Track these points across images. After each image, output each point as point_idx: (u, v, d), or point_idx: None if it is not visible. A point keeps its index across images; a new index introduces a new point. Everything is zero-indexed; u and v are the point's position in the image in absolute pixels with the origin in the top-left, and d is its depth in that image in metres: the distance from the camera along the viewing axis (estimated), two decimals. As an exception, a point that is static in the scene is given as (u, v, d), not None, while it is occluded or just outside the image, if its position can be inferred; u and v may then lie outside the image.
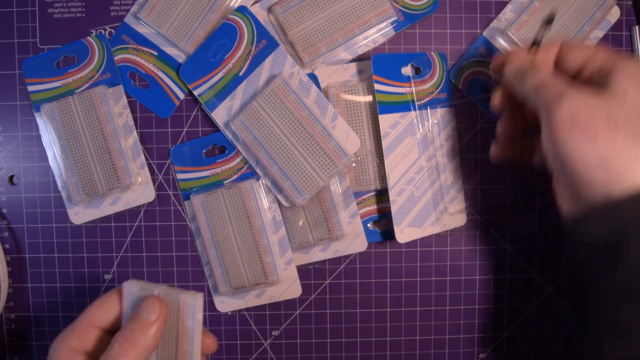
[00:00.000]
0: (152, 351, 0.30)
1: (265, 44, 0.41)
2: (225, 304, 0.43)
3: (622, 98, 0.29)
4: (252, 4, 0.42)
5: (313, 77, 0.42)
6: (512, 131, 0.37)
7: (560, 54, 0.34)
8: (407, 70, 0.42)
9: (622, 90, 0.29)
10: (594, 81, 0.31)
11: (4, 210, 0.43)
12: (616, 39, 0.44)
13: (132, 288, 0.32)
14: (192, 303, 0.31)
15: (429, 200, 0.42)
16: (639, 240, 0.27)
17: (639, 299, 0.27)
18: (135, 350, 0.29)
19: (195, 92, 0.41)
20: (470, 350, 0.44)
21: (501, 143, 0.38)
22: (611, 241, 0.28)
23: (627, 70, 0.30)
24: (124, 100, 0.42)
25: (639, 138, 0.28)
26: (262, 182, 0.42)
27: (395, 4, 0.42)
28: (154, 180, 0.43)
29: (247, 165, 0.42)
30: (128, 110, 0.42)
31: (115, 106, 0.42)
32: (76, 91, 0.42)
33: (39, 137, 0.42)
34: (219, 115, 0.41)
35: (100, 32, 0.42)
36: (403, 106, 0.41)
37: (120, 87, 0.42)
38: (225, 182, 0.42)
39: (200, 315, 0.31)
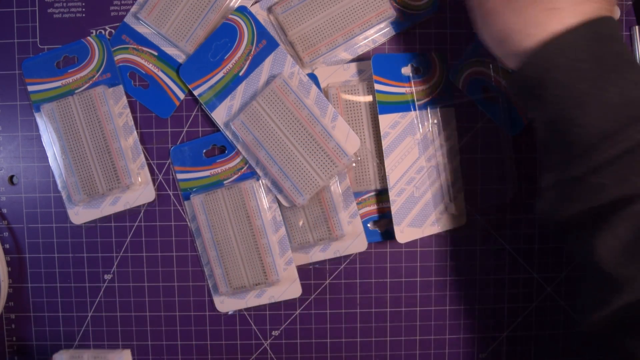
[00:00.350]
0: None
1: (265, 44, 0.41)
2: (225, 304, 0.43)
3: None
4: (252, 4, 0.42)
5: (313, 77, 0.42)
6: None
7: None
8: (407, 70, 0.42)
9: None
10: None
11: (4, 210, 0.43)
12: (616, 39, 0.44)
13: (61, 357, 0.32)
14: None
15: (429, 200, 0.42)
16: (547, 83, 0.30)
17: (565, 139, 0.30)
18: None
19: (195, 92, 0.41)
20: (471, 351, 0.44)
21: None
22: (535, 86, 0.31)
23: None
24: (124, 100, 0.42)
25: (534, 7, 0.30)
26: (262, 182, 0.42)
27: (395, 4, 0.42)
28: (154, 180, 0.43)
29: (247, 165, 0.42)
30: (128, 110, 0.42)
31: (115, 106, 0.42)
32: (76, 91, 0.42)
33: (39, 137, 0.42)
34: (219, 115, 0.41)
35: (100, 32, 0.42)
36: (403, 106, 0.41)
37: (120, 87, 0.42)
38: (225, 182, 0.42)
39: None
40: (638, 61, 0.43)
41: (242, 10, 0.41)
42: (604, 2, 0.30)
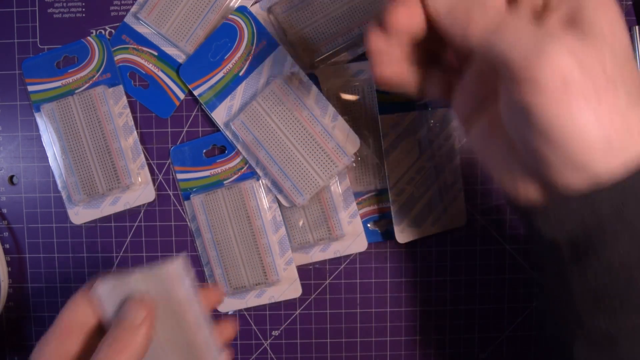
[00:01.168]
0: (143, 354, 0.28)
1: (265, 44, 0.41)
2: (225, 304, 0.43)
3: (609, 42, 0.22)
4: (252, 4, 0.42)
5: (313, 77, 0.41)
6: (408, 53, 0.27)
7: None
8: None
9: (603, 30, 0.22)
10: (546, 14, 0.23)
11: (4, 210, 0.43)
12: (616, 39, 0.44)
13: (106, 287, 0.29)
14: (174, 273, 0.28)
15: (429, 200, 0.42)
16: (617, 235, 0.22)
17: (615, 306, 0.23)
18: (122, 357, 0.26)
19: (195, 92, 0.41)
20: (471, 351, 0.44)
21: (388, 62, 0.26)
22: (581, 236, 0.23)
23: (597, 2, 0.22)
24: (124, 100, 0.42)
25: (636, 93, 0.22)
26: (262, 182, 0.42)
27: (395, 4, 0.42)
28: (154, 180, 0.43)
29: (247, 165, 0.42)
30: (128, 110, 0.42)
31: (115, 106, 0.42)
32: (76, 91, 0.42)
33: (39, 137, 0.42)
34: (219, 115, 0.41)
35: (100, 32, 0.42)
36: (403, 106, 0.41)
37: (120, 87, 0.42)
38: (225, 182, 0.42)
39: (187, 280, 0.28)
40: (638, 61, 0.43)
41: (242, 10, 0.41)
42: None
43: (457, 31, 0.23)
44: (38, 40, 0.43)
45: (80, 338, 0.28)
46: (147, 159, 0.43)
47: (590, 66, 0.21)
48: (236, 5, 0.42)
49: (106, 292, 0.29)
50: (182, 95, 0.43)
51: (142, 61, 0.42)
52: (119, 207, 0.42)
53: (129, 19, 0.42)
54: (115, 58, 0.42)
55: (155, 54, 0.42)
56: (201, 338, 0.29)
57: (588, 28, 0.22)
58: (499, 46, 0.21)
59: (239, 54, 0.41)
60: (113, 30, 0.42)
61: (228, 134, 0.41)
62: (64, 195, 0.42)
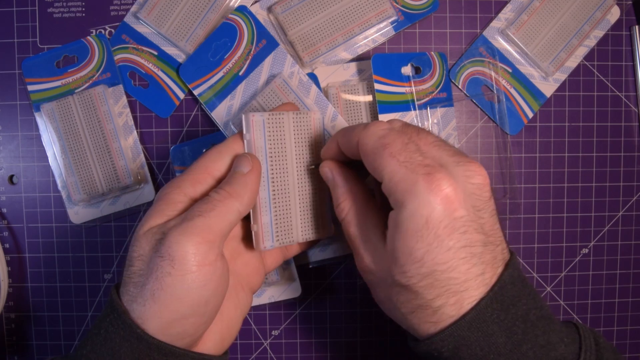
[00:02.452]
0: (250, 202, 0.30)
1: (265, 43, 0.41)
2: None
3: (398, 280, 0.27)
4: (252, 4, 0.42)
5: (313, 76, 0.41)
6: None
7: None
8: (407, 70, 0.42)
9: (401, 274, 0.27)
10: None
11: (4, 210, 0.43)
12: (616, 38, 0.44)
13: (261, 118, 0.31)
14: (319, 117, 0.34)
15: (429, 200, 0.42)
16: None
17: None
18: (230, 198, 0.29)
19: (195, 92, 0.41)
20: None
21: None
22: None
23: (403, 233, 0.26)
24: (124, 100, 0.42)
25: (408, 313, 0.28)
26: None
27: (395, 4, 0.42)
28: (154, 180, 0.43)
29: (247, 165, 0.42)
30: (128, 110, 0.42)
31: (115, 106, 0.42)
32: (76, 91, 0.42)
33: (39, 136, 0.42)
34: (219, 114, 0.41)
35: (100, 32, 0.42)
36: (403, 106, 0.41)
37: (120, 87, 0.42)
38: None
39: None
40: (638, 60, 0.43)
41: (242, 10, 0.41)
42: (487, 273, 0.26)
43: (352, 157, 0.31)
44: (38, 40, 0.43)
45: (211, 185, 0.31)
46: (147, 159, 0.43)
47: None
48: (236, 5, 0.42)
49: (261, 120, 0.32)
50: (182, 95, 0.43)
51: (142, 61, 0.42)
52: (119, 207, 0.42)
53: (128, 19, 0.42)
54: (115, 58, 0.42)
55: (155, 53, 0.42)
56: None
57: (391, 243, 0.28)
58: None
59: (238, 54, 0.41)
60: (113, 30, 0.42)
61: (228, 133, 0.41)
62: (63, 194, 0.42)
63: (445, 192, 0.25)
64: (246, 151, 0.31)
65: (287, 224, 0.32)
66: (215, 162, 0.31)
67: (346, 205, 0.31)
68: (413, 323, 0.28)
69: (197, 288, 0.27)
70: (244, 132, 0.31)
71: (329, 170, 0.32)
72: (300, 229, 0.33)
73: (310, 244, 0.34)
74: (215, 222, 0.28)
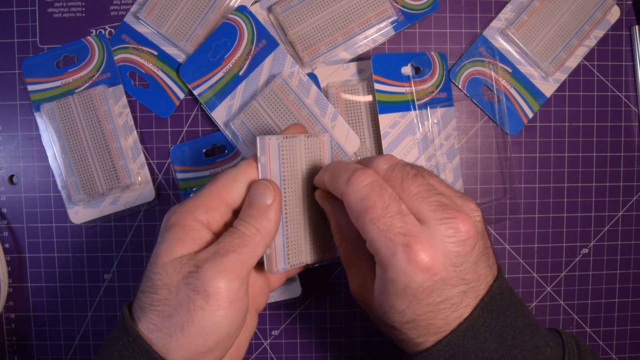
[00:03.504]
0: (274, 235, 0.30)
1: (265, 43, 0.41)
2: None
3: (390, 322, 0.29)
4: (252, 4, 0.42)
5: (313, 76, 0.41)
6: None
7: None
8: (407, 70, 0.42)
9: (390, 318, 0.28)
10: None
11: (4, 210, 0.43)
12: (616, 38, 0.44)
13: (277, 141, 0.31)
14: (328, 140, 0.33)
15: (429, 200, 0.42)
16: None
17: None
18: (259, 235, 0.29)
19: (195, 92, 0.41)
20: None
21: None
22: None
23: (388, 293, 0.28)
24: (124, 100, 0.42)
25: (399, 337, 0.29)
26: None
27: (395, 4, 0.42)
28: (154, 180, 0.43)
29: (247, 165, 0.42)
30: (128, 110, 0.42)
31: (115, 106, 0.42)
32: (76, 91, 0.42)
33: (39, 136, 0.42)
34: (219, 114, 0.41)
35: (100, 32, 0.42)
36: (403, 106, 0.41)
37: (120, 87, 0.42)
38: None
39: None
40: (638, 60, 0.43)
41: (242, 9, 0.41)
42: (478, 289, 0.28)
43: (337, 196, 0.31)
44: (38, 39, 0.43)
45: (225, 212, 0.31)
46: (147, 159, 0.43)
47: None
48: (236, 5, 0.42)
49: (277, 144, 0.31)
50: (182, 95, 0.43)
51: (142, 61, 0.42)
52: (119, 207, 0.42)
53: (128, 19, 0.42)
54: (115, 58, 0.42)
55: (155, 53, 0.42)
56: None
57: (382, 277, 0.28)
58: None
59: (238, 54, 0.41)
60: (113, 30, 0.42)
61: (228, 133, 0.41)
62: (63, 194, 0.42)
63: (423, 262, 0.26)
64: (260, 175, 0.31)
65: (298, 246, 0.32)
66: (228, 189, 0.30)
67: (339, 238, 0.32)
68: (402, 346, 0.30)
69: (225, 324, 0.27)
70: (259, 154, 0.31)
71: (321, 201, 0.32)
72: (309, 250, 0.33)
73: (313, 264, 0.34)
74: (247, 258, 0.28)
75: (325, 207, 0.32)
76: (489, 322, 0.27)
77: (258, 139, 0.30)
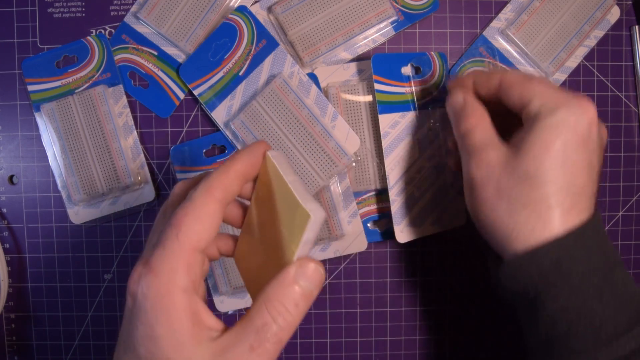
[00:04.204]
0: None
1: (265, 43, 0.41)
2: (225, 304, 0.43)
3: (522, 157, 0.29)
4: (252, 4, 0.42)
5: (313, 76, 0.42)
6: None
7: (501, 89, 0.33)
8: (407, 70, 0.42)
9: (527, 148, 0.29)
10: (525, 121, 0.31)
11: (4, 210, 0.43)
12: (616, 38, 0.44)
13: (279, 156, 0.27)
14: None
15: (429, 200, 0.42)
16: (557, 288, 0.28)
17: (562, 353, 0.28)
18: (286, 335, 0.24)
19: (195, 92, 0.41)
20: (472, 351, 0.44)
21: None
22: (531, 291, 0.29)
23: (545, 130, 0.29)
24: (124, 100, 0.42)
25: (521, 207, 0.29)
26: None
27: (395, 4, 0.42)
28: (154, 180, 0.43)
29: (247, 165, 0.42)
30: (128, 110, 0.42)
31: (115, 106, 0.42)
32: (76, 91, 0.42)
33: (39, 136, 0.42)
34: (219, 115, 0.41)
35: (100, 32, 0.42)
36: (403, 106, 0.41)
37: (120, 87, 0.42)
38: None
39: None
40: (638, 60, 0.43)
41: (242, 10, 0.41)
42: (591, 200, 0.30)
43: (453, 128, 0.35)
44: (38, 40, 0.43)
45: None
46: (147, 159, 0.43)
47: (488, 180, 0.31)
48: (236, 5, 0.42)
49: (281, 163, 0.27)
50: (182, 95, 0.43)
51: (142, 61, 0.42)
52: (119, 207, 0.42)
53: (129, 19, 0.42)
54: (115, 58, 0.42)
55: (155, 53, 0.42)
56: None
57: (519, 150, 0.30)
58: (462, 144, 0.34)
59: (238, 54, 0.41)
60: (113, 30, 0.42)
61: (228, 133, 0.41)
62: (63, 195, 0.42)
63: (592, 114, 0.29)
64: (303, 253, 0.25)
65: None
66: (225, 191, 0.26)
67: (476, 115, 0.33)
68: (517, 224, 0.29)
69: None
70: (310, 233, 0.25)
71: (462, 96, 0.34)
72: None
73: None
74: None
75: (465, 98, 0.34)
76: (596, 237, 0.28)
77: (318, 217, 0.25)
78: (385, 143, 0.41)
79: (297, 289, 0.24)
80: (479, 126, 0.33)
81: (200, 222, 0.24)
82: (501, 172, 0.30)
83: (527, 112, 0.31)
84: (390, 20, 0.42)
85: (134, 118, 0.43)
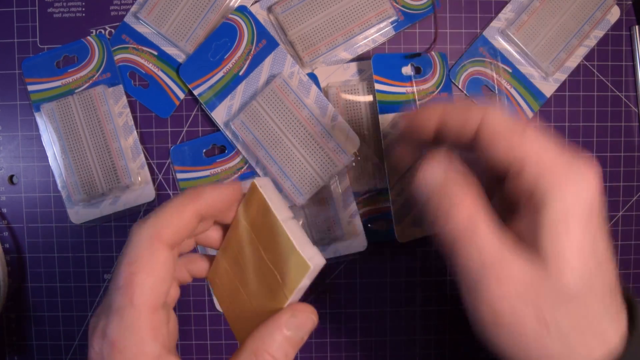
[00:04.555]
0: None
1: (265, 43, 0.41)
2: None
3: (557, 272, 0.22)
4: (252, 4, 0.42)
5: (313, 76, 0.41)
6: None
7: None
8: (407, 70, 0.42)
9: (557, 258, 0.22)
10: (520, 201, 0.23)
11: (4, 210, 0.43)
12: (616, 38, 0.44)
13: (266, 182, 0.25)
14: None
15: (429, 200, 0.42)
16: None
17: None
18: None
19: (195, 92, 0.41)
20: (472, 351, 0.44)
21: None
22: None
23: (562, 224, 0.22)
24: (124, 100, 0.42)
25: (570, 329, 0.22)
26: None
27: (395, 4, 0.42)
28: (154, 180, 0.43)
29: (247, 164, 0.42)
30: (128, 110, 0.42)
31: (115, 106, 0.42)
32: (76, 91, 0.42)
33: (39, 136, 0.42)
34: (219, 115, 0.41)
35: (100, 32, 0.42)
36: (403, 106, 0.41)
37: (120, 87, 0.42)
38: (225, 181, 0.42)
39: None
40: (638, 60, 0.43)
41: (242, 10, 0.41)
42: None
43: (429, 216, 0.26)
44: (38, 40, 0.43)
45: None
46: (147, 159, 0.43)
47: (522, 307, 0.22)
48: (236, 5, 0.42)
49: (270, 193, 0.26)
50: (182, 95, 0.43)
51: (142, 61, 0.42)
52: (119, 207, 0.42)
53: (129, 19, 0.42)
54: (115, 58, 0.42)
55: (155, 53, 0.42)
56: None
57: (539, 252, 0.22)
58: (455, 254, 0.25)
59: (238, 54, 0.41)
60: (113, 30, 0.42)
61: (228, 133, 0.41)
62: (63, 194, 0.42)
63: (598, 180, 0.22)
64: (296, 299, 0.25)
65: None
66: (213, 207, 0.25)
67: (473, 206, 0.24)
68: (571, 347, 0.22)
69: None
70: (307, 280, 0.25)
71: (441, 169, 0.24)
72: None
73: None
74: None
75: (447, 173, 0.25)
76: None
77: (317, 266, 0.24)
78: (385, 143, 0.41)
79: (287, 338, 0.23)
80: (480, 225, 0.23)
81: (153, 276, 0.21)
82: (537, 294, 0.22)
83: (521, 185, 0.23)
84: (390, 20, 0.42)
85: (134, 118, 0.43)
